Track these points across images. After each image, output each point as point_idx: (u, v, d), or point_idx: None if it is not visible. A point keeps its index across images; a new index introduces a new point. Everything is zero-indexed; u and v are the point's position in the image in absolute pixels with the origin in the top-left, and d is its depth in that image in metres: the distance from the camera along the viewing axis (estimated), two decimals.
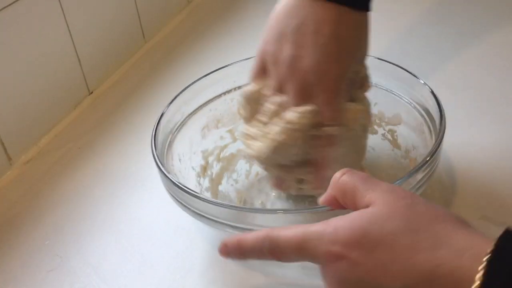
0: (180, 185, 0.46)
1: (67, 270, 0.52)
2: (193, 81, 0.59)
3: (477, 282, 0.29)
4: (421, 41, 0.81)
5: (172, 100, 0.56)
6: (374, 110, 0.57)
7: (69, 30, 0.73)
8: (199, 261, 0.52)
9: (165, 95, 0.78)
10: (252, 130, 0.50)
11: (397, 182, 0.43)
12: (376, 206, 0.34)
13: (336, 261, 0.33)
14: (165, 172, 0.48)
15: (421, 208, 0.34)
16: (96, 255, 0.54)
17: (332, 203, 0.38)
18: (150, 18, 0.90)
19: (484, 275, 0.29)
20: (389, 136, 0.59)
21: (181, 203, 0.48)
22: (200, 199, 0.45)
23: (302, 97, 0.46)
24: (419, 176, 0.45)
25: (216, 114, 0.61)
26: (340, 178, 0.37)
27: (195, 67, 0.82)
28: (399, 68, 0.56)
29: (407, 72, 0.55)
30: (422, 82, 0.54)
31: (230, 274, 0.50)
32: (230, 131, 0.61)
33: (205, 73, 0.59)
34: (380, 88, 0.57)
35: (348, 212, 0.35)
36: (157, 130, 0.53)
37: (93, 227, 0.57)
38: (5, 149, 0.65)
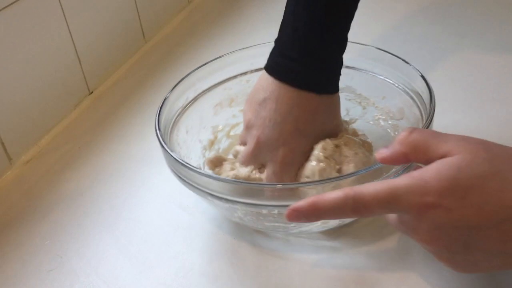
0: (181, 161, 0.48)
1: (67, 270, 0.52)
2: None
3: None
4: (417, 35, 0.82)
5: (186, 76, 0.58)
6: (381, 103, 0.59)
7: (69, 30, 0.73)
8: (199, 261, 0.52)
9: (164, 95, 0.78)
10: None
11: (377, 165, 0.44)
12: (457, 154, 0.36)
13: (430, 210, 0.36)
14: (165, 147, 0.49)
15: (497, 149, 0.37)
16: (96, 255, 0.54)
17: (398, 159, 0.40)
18: (150, 18, 0.90)
19: None
20: (392, 133, 0.59)
21: (180, 177, 0.49)
22: (201, 174, 0.47)
23: (254, 161, 0.52)
24: None
25: (230, 93, 0.62)
26: (410, 135, 0.39)
27: (195, 67, 0.82)
28: (398, 59, 0.57)
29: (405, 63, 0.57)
30: (418, 73, 0.54)
31: (230, 274, 0.50)
32: (243, 111, 0.61)
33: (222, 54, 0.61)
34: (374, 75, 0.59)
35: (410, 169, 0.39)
36: (166, 101, 0.55)
37: (93, 227, 0.57)
38: (5, 149, 0.65)
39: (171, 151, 0.49)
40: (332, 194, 0.39)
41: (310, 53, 0.49)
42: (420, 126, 0.51)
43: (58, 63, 0.72)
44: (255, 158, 0.52)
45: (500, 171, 0.35)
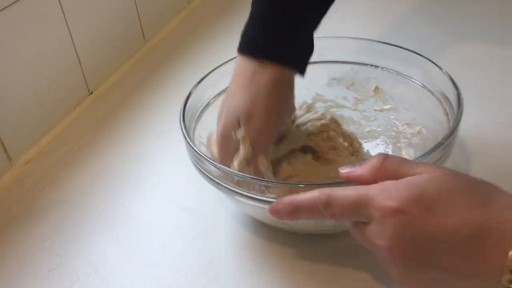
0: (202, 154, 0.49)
1: (67, 270, 0.52)
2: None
3: None
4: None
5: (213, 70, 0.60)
6: (406, 116, 0.60)
7: (69, 30, 0.73)
8: (199, 261, 0.52)
9: (165, 95, 0.78)
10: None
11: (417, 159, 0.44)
12: (430, 172, 0.37)
13: (394, 215, 0.35)
14: (189, 141, 0.50)
15: (469, 176, 0.37)
16: (96, 255, 0.54)
17: (367, 182, 0.40)
18: (150, 18, 0.90)
19: None
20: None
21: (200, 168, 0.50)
22: (220, 170, 0.47)
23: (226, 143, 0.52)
24: (437, 156, 0.46)
25: None
26: (382, 164, 0.39)
27: (195, 67, 0.83)
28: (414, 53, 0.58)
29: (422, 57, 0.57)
30: (439, 67, 0.55)
31: (230, 274, 0.50)
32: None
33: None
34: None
35: None
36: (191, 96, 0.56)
37: (93, 227, 0.57)
38: (5, 149, 0.65)
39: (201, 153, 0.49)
40: (308, 193, 0.40)
41: (267, 27, 0.51)
42: (446, 128, 0.52)
43: (58, 63, 0.72)
44: (224, 139, 0.51)
45: (467, 190, 0.35)
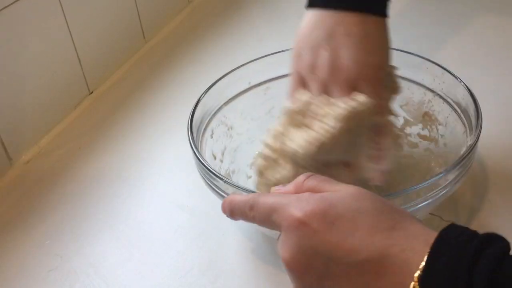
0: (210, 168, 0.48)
1: (67, 270, 0.52)
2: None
3: (423, 263, 0.31)
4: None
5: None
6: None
7: (69, 30, 0.73)
8: (199, 261, 0.52)
9: (165, 95, 0.78)
10: (291, 130, 0.49)
11: (435, 178, 0.44)
12: (345, 190, 0.36)
13: (296, 227, 0.35)
14: (198, 154, 0.49)
15: (386, 201, 0.36)
16: (96, 255, 0.54)
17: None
18: (150, 18, 0.90)
19: (429, 256, 0.31)
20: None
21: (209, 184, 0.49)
22: (229, 184, 0.46)
23: (348, 91, 0.48)
24: (456, 172, 0.46)
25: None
26: (305, 181, 0.39)
27: (195, 67, 0.83)
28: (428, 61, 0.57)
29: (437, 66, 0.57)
30: (458, 79, 0.55)
31: (230, 274, 0.50)
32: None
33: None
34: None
35: None
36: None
37: (93, 227, 0.57)
38: (5, 149, 0.65)
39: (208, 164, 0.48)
40: (245, 195, 0.40)
41: None
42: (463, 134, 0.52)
43: (58, 63, 0.72)
44: (349, 86, 0.48)
45: (377, 212, 0.34)
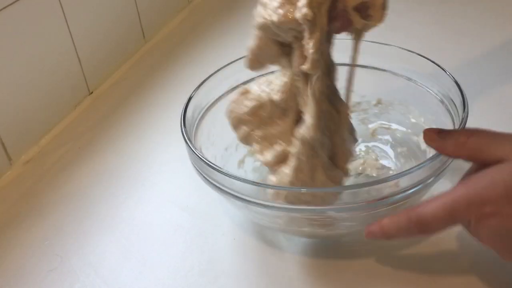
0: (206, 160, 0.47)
1: (67, 270, 0.52)
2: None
3: None
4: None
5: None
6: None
7: (69, 30, 0.73)
8: (199, 261, 0.52)
9: (165, 95, 0.78)
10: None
11: (422, 165, 0.44)
12: (510, 159, 0.37)
13: (488, 218, 0.37)
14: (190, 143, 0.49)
15: None
16: (96, 255, 0.54)
17: (455, 156, 0.42)
18: (150, 18, 0.90)
19: None
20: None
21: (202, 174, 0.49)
22: (225, 175, 0.46)
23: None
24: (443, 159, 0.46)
25: None
26: (469, 140, 0.40)
27: (195, 67, 0.83)
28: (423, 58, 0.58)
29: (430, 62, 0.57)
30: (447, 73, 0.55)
31: (230, 274, 0.50)
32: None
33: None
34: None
35: None
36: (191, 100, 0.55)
37: (93, 227, 0.57)
38: (5, 149, 0.65)
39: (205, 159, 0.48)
40: (395, 218, 0.41)
41: None
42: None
43: (58, 63, 0.72)
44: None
45: None
